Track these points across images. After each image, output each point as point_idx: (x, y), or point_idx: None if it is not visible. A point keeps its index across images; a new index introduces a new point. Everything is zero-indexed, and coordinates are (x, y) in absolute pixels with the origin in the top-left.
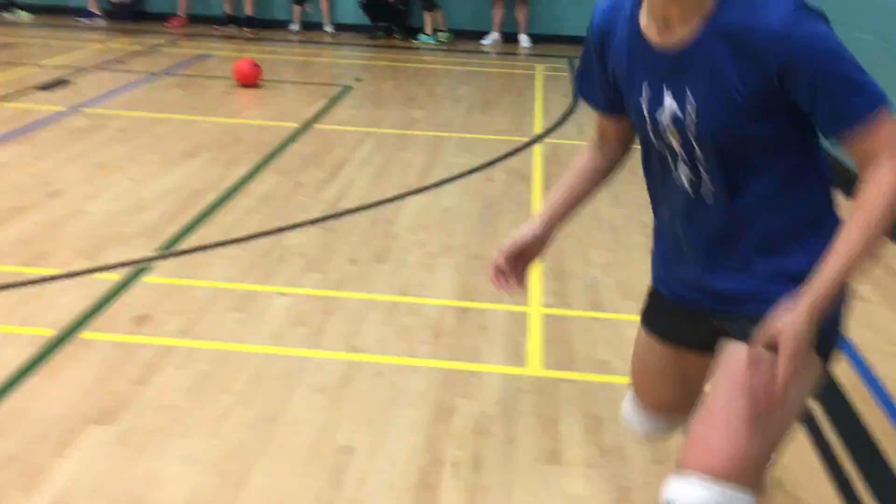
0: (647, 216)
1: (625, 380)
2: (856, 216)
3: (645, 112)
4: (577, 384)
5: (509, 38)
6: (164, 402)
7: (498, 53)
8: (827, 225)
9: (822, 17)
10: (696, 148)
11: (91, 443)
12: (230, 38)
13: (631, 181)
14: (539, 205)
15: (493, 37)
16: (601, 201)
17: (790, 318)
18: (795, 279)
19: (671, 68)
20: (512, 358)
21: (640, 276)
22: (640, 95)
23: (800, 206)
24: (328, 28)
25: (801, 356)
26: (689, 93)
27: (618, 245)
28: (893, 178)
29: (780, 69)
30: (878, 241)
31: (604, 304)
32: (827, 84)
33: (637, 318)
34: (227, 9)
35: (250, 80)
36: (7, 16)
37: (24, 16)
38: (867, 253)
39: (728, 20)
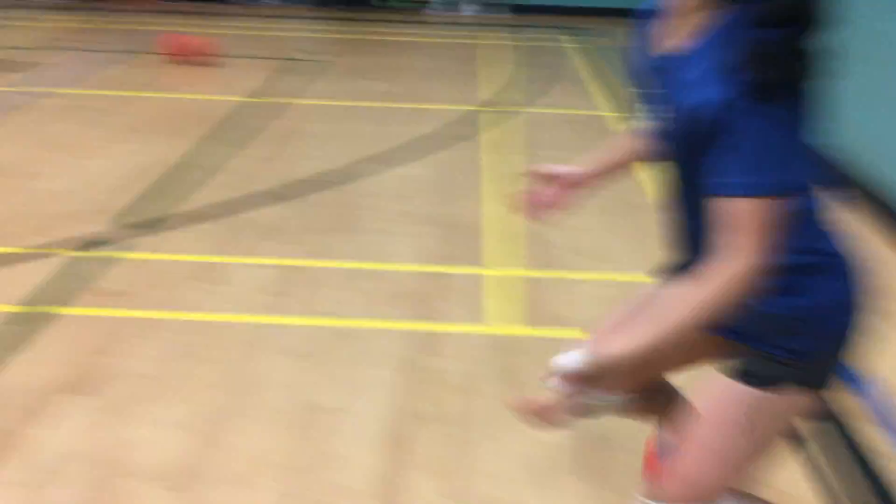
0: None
1: (580, 333)
2: (666, 307)
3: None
4: (534, 339)
5: (489, 8)
6: (133, 372)
7: (445, 23)
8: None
9: (780, 96)
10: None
11: (63, 412)
12: (175, 12)
13: (578, 145)
14: (491, 170)
15: (475, 7)
16: (549, 164)
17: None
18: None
19: (666, 71)
20: (472, 316)
21: (591, 235)
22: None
23: None
24: (273, 0)
25: (548, 416)
26: (672, 98)
27: (577, 207)
28: (722, 275)
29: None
30: (673, 333)
31: (557, 263)
32: (725, 145)
33: (589, 276)
34: None
35: (193, 55)
36: None
37: None
38: (656, 343)
39: (717, 40)
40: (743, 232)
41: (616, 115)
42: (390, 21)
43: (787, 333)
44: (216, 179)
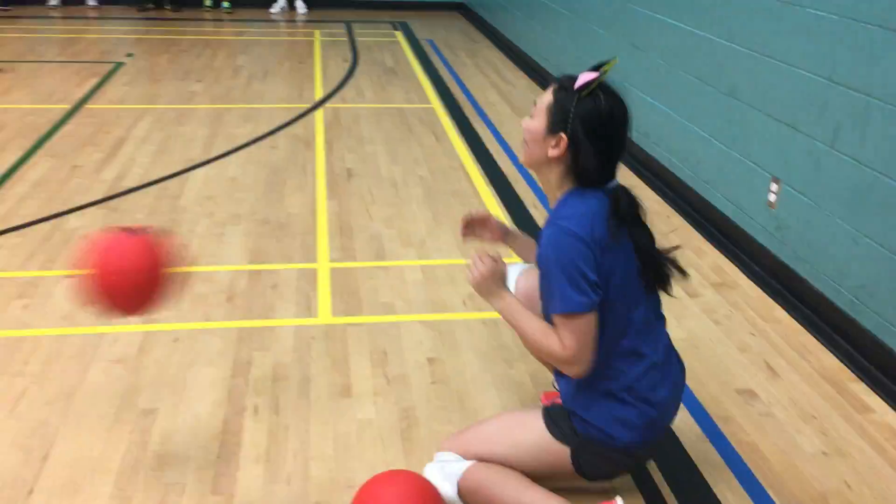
0: (423, 171)
1: (407, 318)
2: (537, 323)
3: None
4: (364, 326)
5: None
6: None
7: (278, 21)
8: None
9: (575, 236)
10: None
11: None
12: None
13: (408, 139)
14: (323, 168)
15: (280, 4)
16: (381, 159)
17: (483, 282)
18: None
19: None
20: (303, 310)
21: (418, 225)
22: None
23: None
24: (91, 2)
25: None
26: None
27: (398, 199)
28: (551, 342)
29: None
30: (523, 333)
31: (386, 253)
32: (543, 283)
33: (416, 263)
34: None
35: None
36: None
37: None
38: (519, 329)
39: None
40: (558, 329)
41: (443, 107)
42: (223, 20)
43: (585, 409)
44: (41, 192)
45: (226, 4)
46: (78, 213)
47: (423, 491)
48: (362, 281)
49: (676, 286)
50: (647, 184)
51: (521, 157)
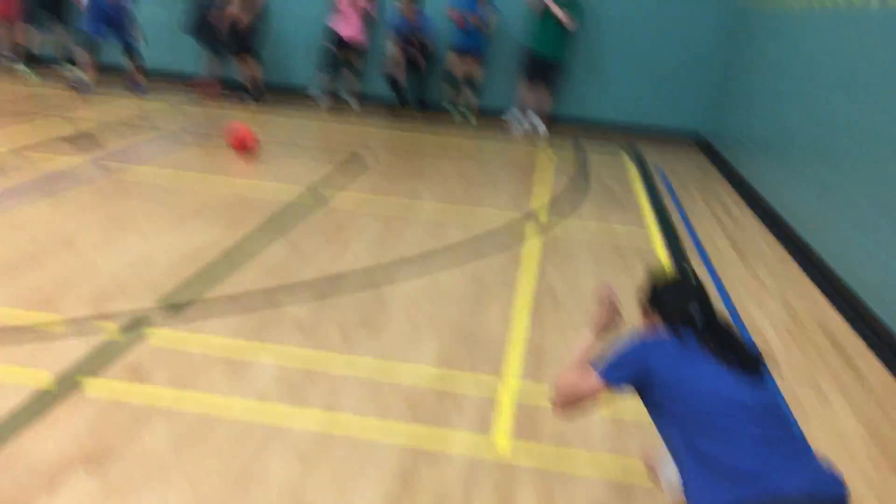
0: (631, 306)
1: (585, 467)
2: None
3: None
4: (537, 458)
5: (532, 117)
6: (148, 454)
7: (513, 132)
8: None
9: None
10: None
11: (79, 487)
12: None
13: (620, 269)
14: (529, 285)
15: (515, 114)
16: (588, 286)
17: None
18: None
19: None
20: (478, 426)
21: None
22: None
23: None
24: (350, 100)
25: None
26: None
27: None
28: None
29: None
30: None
31: None
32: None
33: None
34: (242, 77)
35: (243, 148)
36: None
37: (31, 76)
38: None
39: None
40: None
41: (663, 240)
42: (463, 126)
43: None
44: (258, 267)
45: (472, 121)
46: (290, 293)
47: None
48: (545, 408)
49: None
50: None
51: None
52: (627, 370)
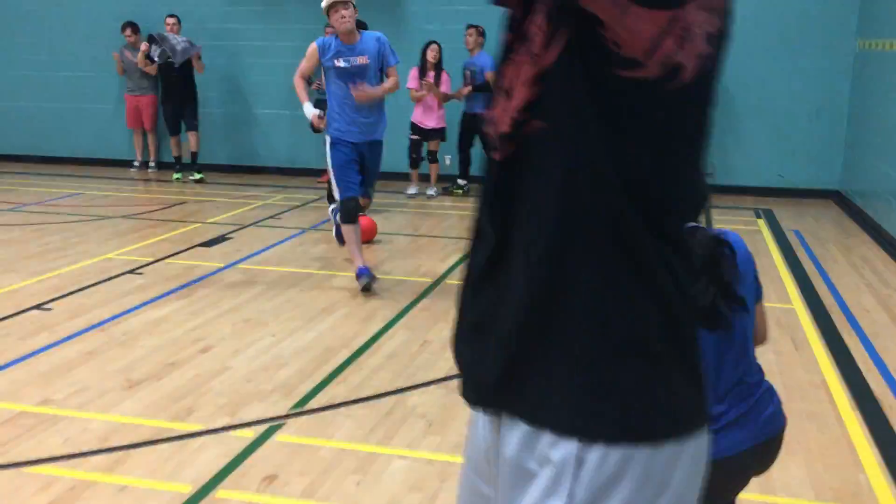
0: (775, 383)
1: None
2: None
3: None
4: None
5: None
6: None
7: None
8: None
9: None
10: None
11: None
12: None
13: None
14: None
15: None
16: None
17: None
18: None
19: None
20: None
21: None
22: None
23: None
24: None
25: None
26: None
27: None
28: None
29: None
30: None
31: None
32: None
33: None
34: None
35: (373, 235)
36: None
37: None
38: None
39: None
40: None
41: (807, 309)
42: None
43: None
44: (391, 364)
45: None
46: (420, 390)
47: None
48: None
49: None
50: None
51: None
52: None
